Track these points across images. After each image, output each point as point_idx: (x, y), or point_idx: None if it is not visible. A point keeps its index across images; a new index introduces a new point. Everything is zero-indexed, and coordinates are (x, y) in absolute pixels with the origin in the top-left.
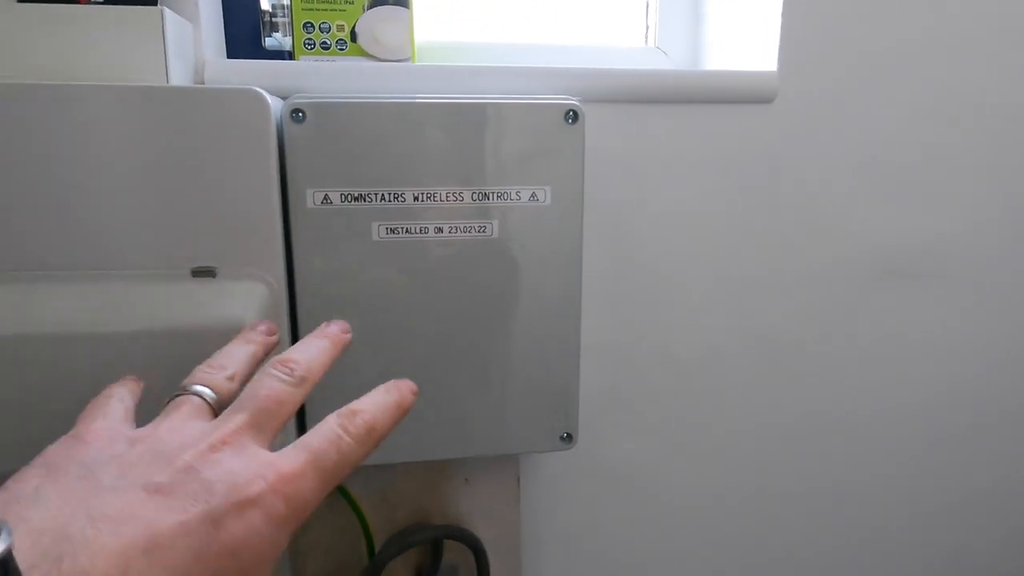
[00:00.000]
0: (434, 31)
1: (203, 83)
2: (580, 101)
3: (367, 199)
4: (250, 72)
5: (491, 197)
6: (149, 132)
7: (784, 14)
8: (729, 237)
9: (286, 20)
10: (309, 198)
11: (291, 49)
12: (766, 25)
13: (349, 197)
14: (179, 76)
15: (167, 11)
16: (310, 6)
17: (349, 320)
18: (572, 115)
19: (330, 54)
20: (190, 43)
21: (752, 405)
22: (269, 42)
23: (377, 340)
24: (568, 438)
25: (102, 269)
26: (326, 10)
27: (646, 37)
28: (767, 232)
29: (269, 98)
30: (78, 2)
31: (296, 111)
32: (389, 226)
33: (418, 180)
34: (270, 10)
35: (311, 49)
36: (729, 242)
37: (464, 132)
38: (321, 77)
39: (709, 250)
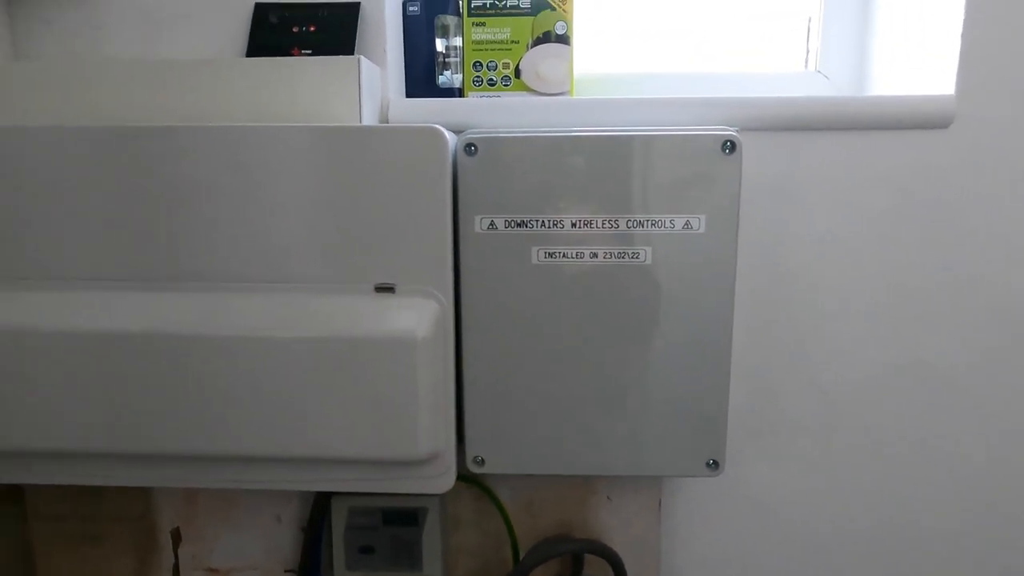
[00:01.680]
0: (593, 62)
1: (388, 119)
2: (738, 131)
3: (528, 225)
4: (427, 109)
5: (645, 225)
6: (344, 165)
7: (964, 34)
8: (894, 269)
9: (457, 60)
10: (477, 224)
11: (461, 86)
12: (943, 46)
13: (512, 223)
14: (369, 114)
15: (363, 59)
16: (479, 47)
17: (507, 336)
18: (729, 146)
19: (496, 90)
20: (378, 85)
21: (910, 442)
22: (442, 80)
23: (532, 356)
24: (714, 465)
25: (301, 283)
26: (493, 50)
27: (806, 61)
28: (939, 264)
29: (447, 134)
30: (291, 54)
31: (469, 145)
32: (548, 250)
33: (576, 208)
34: (444, 51)
35: (479, 85)
36: (894, 274)
37: (622, 163)
38: (488, 112)
39: (871, 281)
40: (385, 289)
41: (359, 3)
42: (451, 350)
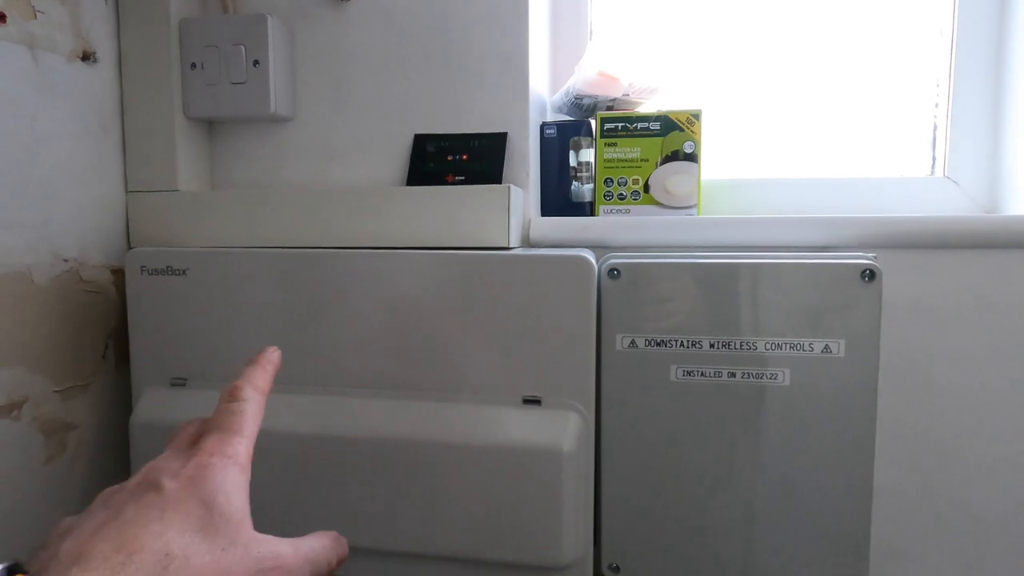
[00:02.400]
0: (718, 168)
1: (529, 237)
2: (875, 257)
3: (667, 344)
4: (565, 227)
5: (783, 348)
6: (501, 287)
7: None
8: None
9: (589, 176)
10: (618, 342)
11: (592, 199)
12: None
13: (652, 342)
14: (515, 234)
15: (512, 187)
16: (611, 165)
17: (645, 449)
18: (868, 274)
19: (626, 203)
20: (522, 206)
21: None
22: (575, 194)
23: (669, 470)
24: None
25: (454, 393)
26: (624, 167)
27: (933, 167)
28: None
29: (593, 260)
30: (446, 180)
31: (613, 270)
32: (686, 369)
33: (715, 329)
34: (577, 168)
35: (609, 200)
36: None
37: (760, 289)
38: (621, 231)
39: (1018, 399)
40: (532, 401)
41: (506, 134)
42: (591, 461)
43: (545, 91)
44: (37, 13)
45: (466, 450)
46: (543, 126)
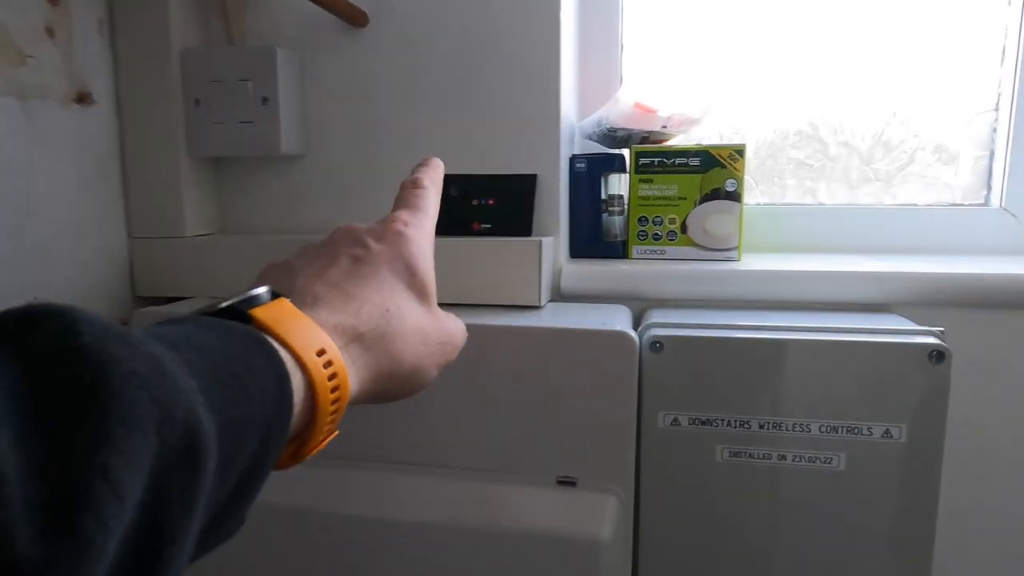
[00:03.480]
0: (759, 195)
1: (560, 286)
2: (942, 334)
3: (713, 423)
4: (600, 278)
5: (839, 431)
6: (536, 360)
7: None
8: None
9: (623, 215)
10: (660, 419)
11: (625, 239)
12: None
13: (697, 421)
14: (545, 287)
15: (543, 241)
16: (646, 203)
17: (688, 534)
18: (937, 355)
19: (661, 244)
20: (552, 254)
21: None
22: (606, 234)
23: (714, 557)
24: None
25: (483, 471)
26: (660, 206)
27: (987, 196)
28: None
29: (633, 334)
30: (471, 227)
31: (655, 343)
32: (732, 450)
33: (765, 409)
34: (607, 199)
35: (644, 240)
36: None
37: (815, 367)
38: (658, 283)
39: None
40: (566, 483)
41: (535, 176)
42: (630, 550)
43: (573, 113)
44: (27, 58)
45: (491, 536)
46: (573, 159)
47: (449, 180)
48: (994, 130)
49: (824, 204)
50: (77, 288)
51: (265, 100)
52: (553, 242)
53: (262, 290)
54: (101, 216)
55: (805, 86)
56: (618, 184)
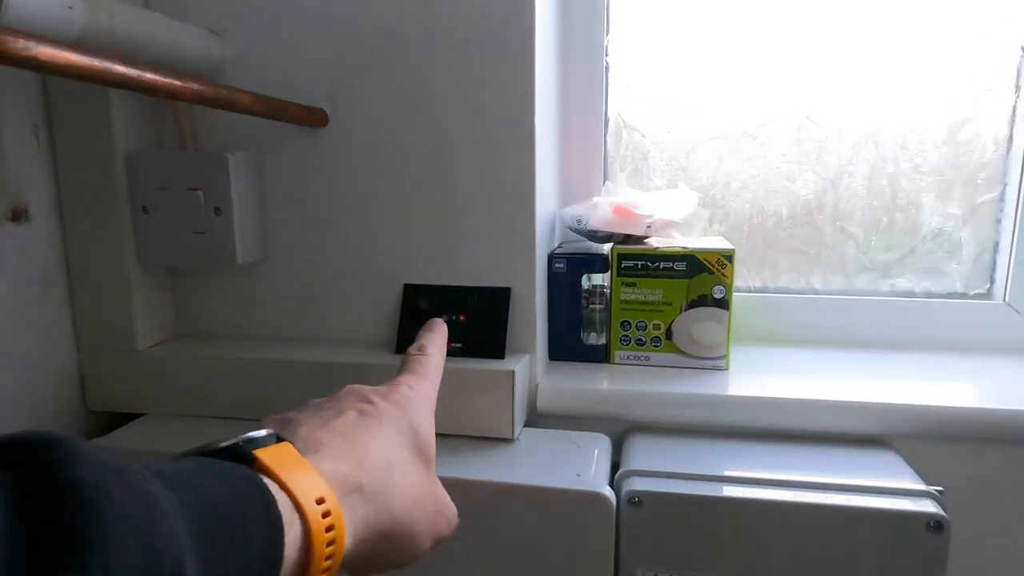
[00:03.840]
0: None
1: (536, 406)
2: (940, 494)
3: None
4: (579, 398)
5: None
6: (506, 516)
7: None
8: None
9: (604, 307)
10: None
11: (607, 343)
12: None
13: None
14: (520, 414)
15: (516, 371)
16: (628, 307)
17: None
18: (935, 524)
19: (645, 350)
20: (526, 377)
21: None
22: (587, 337)
23: None
24: None
25: None
26: (643, 311)
27: (991, 289)
28: None
29: (609, 493)
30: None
31: (634, 498)
32: None
33: (748, 569)
34: (590, 308)
35: (627, 345)
36: None
37: (803, 530)
38: (640, 406)
39: None
40: None
41: (509, 289)
42: None
43: (554, 200)
44: None
45: None
46: (551, 258)
47: (418, 291)
48: (999, 221)
49: (816, 295)
50: (23, 406)
51: (218, 211)
52: (529, 360)
53: (265, 432)
54: (47, 333)
55: (798, 170)
56: (600, 284)
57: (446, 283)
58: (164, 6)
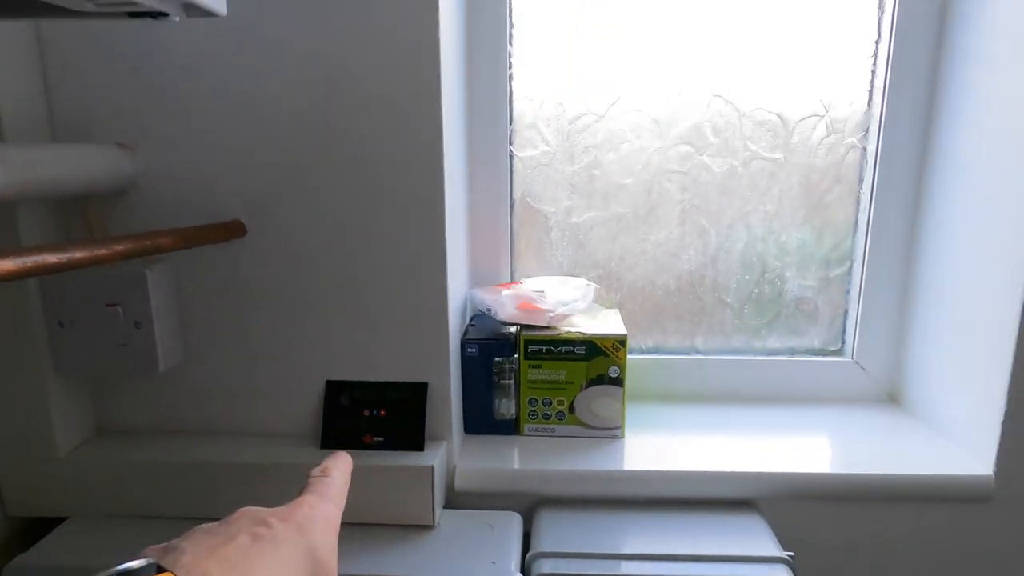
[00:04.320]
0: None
1: (454, 485)
2: (792, 559)
3: None
4: (494, 478)
5: None
6: None
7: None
8: None
9: (512, 383)
10: None
11: (517, 417)
12: (987, 367)
13: None
14: (439, 499)
15: (435, 464)
16: (535, 386)
17: None
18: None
19: (551, 423)
20: (444, 464)
21: None
22: (498, 413)
23: None
24: None
25: None
26: (549, 389)
27: (841, 348)
28: None
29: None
30: (363, 440)
31: None
32: None
33: None
34: (500, 387)
35: (534, 419)
36: None
37: None
38: (549, 483)
39: None
40: None
41: (426, 384)
42: None
43: (464, 278)
44: None
45: None
46: (465, 343)
47: (339, 387)
48: (847, 291)
49: (696, 358)
50: None
51: (138, 324)
52: (446, 447)
53: (143, 562)
54: None
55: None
56: (509, 366)
57: (367, 379)
58: (69, 124)
